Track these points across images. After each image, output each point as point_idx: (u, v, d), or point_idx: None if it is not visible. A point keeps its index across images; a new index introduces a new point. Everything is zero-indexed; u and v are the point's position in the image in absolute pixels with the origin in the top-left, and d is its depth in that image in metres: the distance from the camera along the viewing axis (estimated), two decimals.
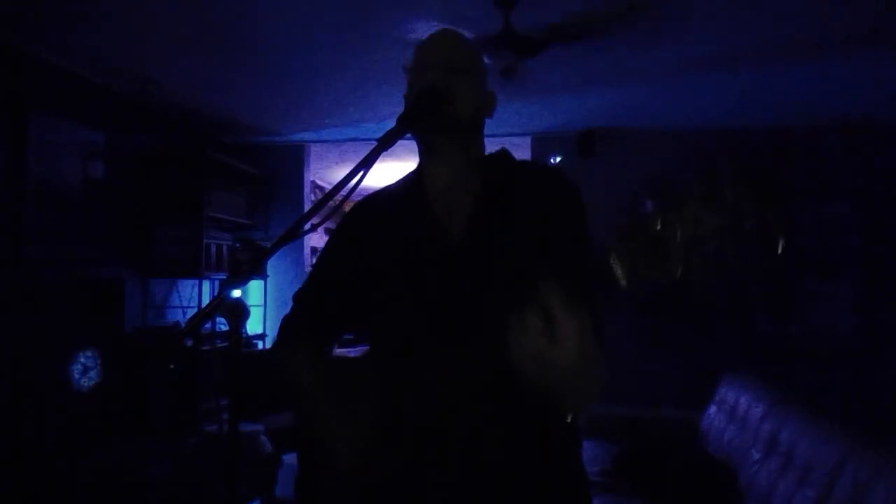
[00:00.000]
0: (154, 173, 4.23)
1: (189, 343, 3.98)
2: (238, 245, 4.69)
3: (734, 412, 3.02)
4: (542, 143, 4.94)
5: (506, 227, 1.11)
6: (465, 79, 1.14)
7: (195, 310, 4.36)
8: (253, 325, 5.03)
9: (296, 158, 5.34)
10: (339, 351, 4.50)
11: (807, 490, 2.08)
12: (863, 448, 1.95)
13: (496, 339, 0.90)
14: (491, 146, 1.23)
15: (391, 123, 1.07)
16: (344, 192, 1.02)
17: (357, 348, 4.91)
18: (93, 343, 3.35)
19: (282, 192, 5.28)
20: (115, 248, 3.93)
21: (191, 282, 4.43)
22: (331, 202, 1.01)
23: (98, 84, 3.76)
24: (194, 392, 3.96)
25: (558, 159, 4.81)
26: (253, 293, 5.15)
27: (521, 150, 4.80)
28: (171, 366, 3.92)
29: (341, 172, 5.32)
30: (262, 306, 5.10)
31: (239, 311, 1.15)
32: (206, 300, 4.36)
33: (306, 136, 5.16)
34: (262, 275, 5.08)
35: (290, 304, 1.32)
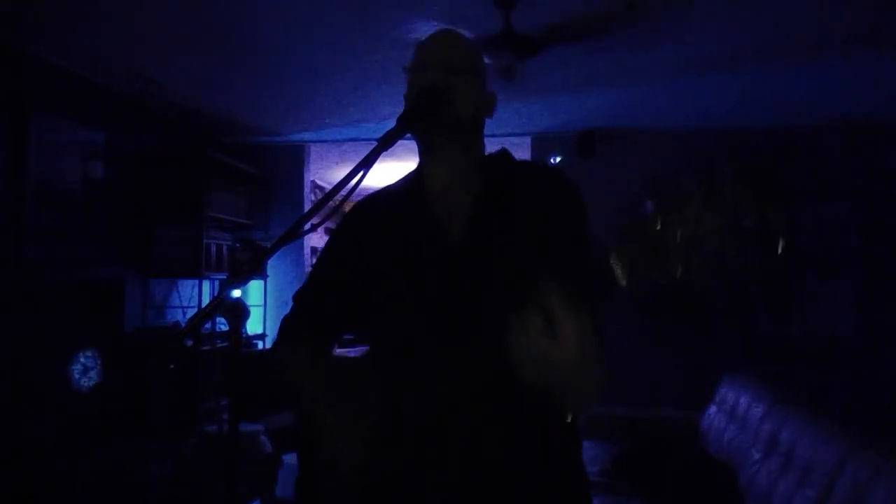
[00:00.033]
0: (154, 173, 4.23)
1: (189, 343, 3.98)
2: (238, 245, 4.69)
3: (734, 412, 3.02)
4: (542, 143, 4.94)
5: (506, 227, 1.11)
6: (465, 79, 1.14)
7: (195, 310, 4.36)
8: (253, 325, 5.04)
9: (296, 158, 5.34)
10: (339, 351, 4.50)
11: (807, 490, 2.08)
12: (863, 448, 1.95)
13: (496, 339, 0.89)
14: (491, 146, 1.23)
15: (391, 123, 1.07)
16: (344, 192, 1.02)
17: (357, 348, 4.91)
18: (93, 343, 3.35)
19: (282, 192, 5.29)
20: (115, 248, 3.93)
21: (191, 282, 4.43)
22: (331, 202, 1.01)
23: (98, 84, 3.76)
24: (194, 392, 3.96)
25: (558, 159, 4.81)
26: (253, 293, 5.15)
27: (521, 150, 4.80)
28: (171, 366, 3.92)
29: (341, 172, 5.32)
30: (262, 306, 5.10)
31: (239, 311, 1.15)
32: (206, 300, 4.37)
33: (306, 136, 5.16)
34: (262, 275, 5.09)
35: (290, 303, 1.32)
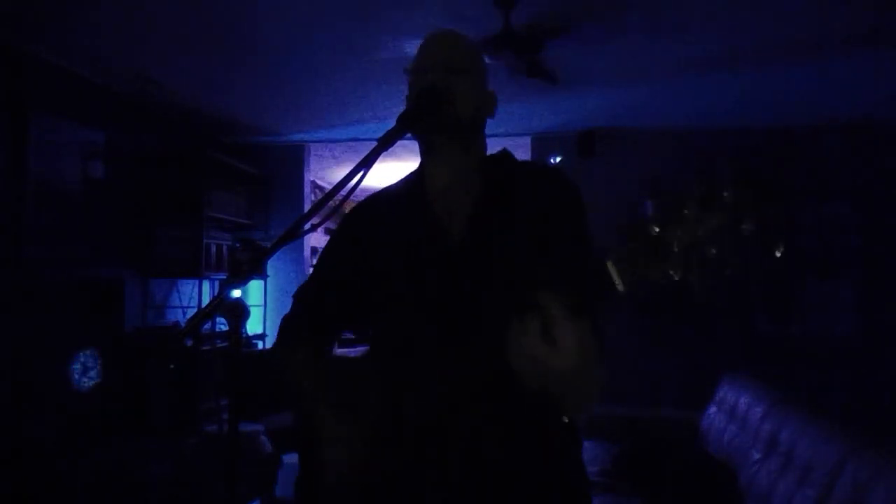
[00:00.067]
0: (154, 173, 4.23)
1: (189, 343, 3.98)
2: (238, 245, 4.69)
3: (734, 412, 3.02)
4: (542, 143, 4.94)
5: (506, 227, 1.11)
6: (465, 79, 1.14)
7: (195, 310, 4.36)
8: (253, 325, 5.04)
9: (296, 158, 5.34)
10: (339, 351, 4.50)
11: (807, 490, 2.08)
12: (863, 448, 1.95)
13: (496, 340, 0.90)
14: (491, 146, 1.23)
15: (391, 123, 1.07)
16: (344, 192, 1.02)
17: (357, 348, 4.91)
18: (93, 343, 3.35)
19: (282, 192, 5.29)
20: (115, 248, 3.93)
21: (191, 282, 4.43)
22: (331, 202, 1.01)
23: (98, 84, 3.76)
24: (194, 392, 3.96)
25: (558, 159, 4.81)
26: (253, 293, 5.15)
27: (521, 150, 4.80)
28: (171, 366, 3.92)
29: (341, 172, 5.32)
30: (262, 306, 5.10)
31: (239, 311, 1.15)
32: (206, 300, 4.36)
33: (306, 136, 5.16)
34: (262, 275, 5.09)
35: (291, 303, 1.32)
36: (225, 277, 4.48)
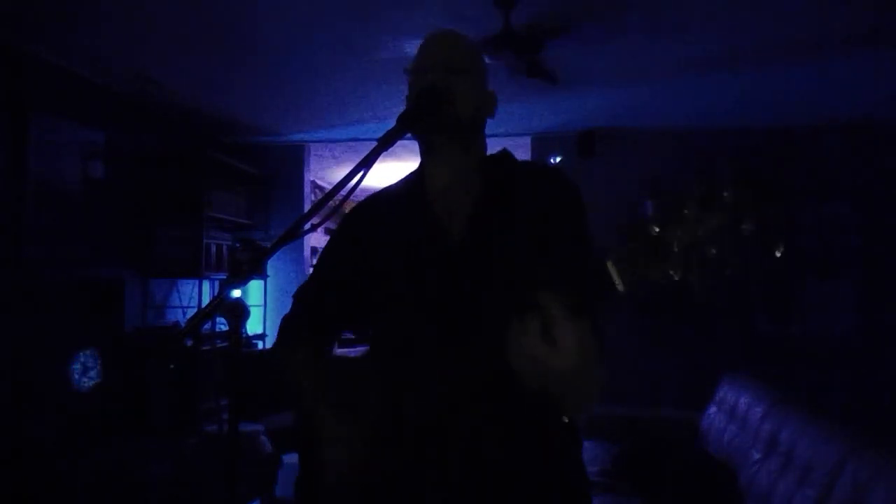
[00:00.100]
0: (154, 173, 4.23)
1: (189, 343, 3.98)
2: (238, 245, 4.69)
3: (734, 412, 3.02)
4: (542, 143, 4.94)
5: (506, 227, 1.11)
6: (465, 79, 1.14)
7: (195, 310, 4.36)
8: (253, 325, 5.04)
9: (296, 158, 5.34)
10: (339, 351, 4.50)
11: (807, 490, 2.08)
12: (863, 448, 1.95)
13: (496, 340, 0.90)
14: (491, 146, 1.23)
15: (391, 123, 1.07)
16: (344, 192, 1.02)
17: (357, 348, 4.91)
18: (93, 343, 3.35)
19: (282, 192, 5.29)
20: (115, 248, 3.93)
21: (191, 282, 4.43)
22: (331, 202, 1.01)
23: (98, 84, 3.76)
24: (194, 392, 3.96)
25: (558, 159, 4.81)
26: (253, 293, 5.15)
27: (521, 150, 4.80)
28: (171, 366, 3.92)
29: (341, 172, 5.32)
30: (262, 306, 5.10)
31: (239, 311, 1.15)
32: (206, 300, 4.36)
33: (306, 136, 5.16)
34: (262, 275, 5.09)
35: (291, 303, 1.32)
36: (225, 277, 4.48)
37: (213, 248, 4.43)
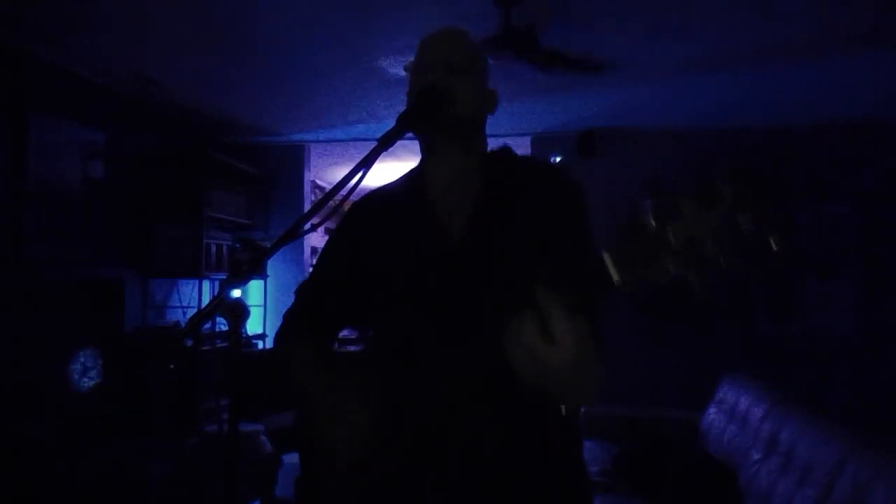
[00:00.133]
0: (154, 173, 4.23)
1: (189, 343, 3.98)
2: (238, 245, 4.69)
3: (734, 412, 3.02)
4: (542, 143, 4.95)
5: (506, 226, 1.11)
6: (465, 78, 1.14)
7: (195, 310, 4.36)
8: (253, 325, 5.03)
9: (296, 158, 5.34)
10: (339, 351, 4.50)
11: (807, 490, 2.08)
12: (863, 448, 1.95)
13: (496, 339, 0.90)
14: (491, 146, 1.24)
15: (391, 123, 1.07)
16: (344, 192, 1.02)
17: (357, 348, 4.91)
18: (93, 343, 3.35)
19: (282, 192, 5.29)
20: (115, 248, 3.93)
21: (191, 282, 4.42)
22: (331, 202, 1.01)
23: (98, 84, 3.76)
24: (194, 392, 3.96)
25: (558, 159, 4.81)
26: (253, 293, 5.15)
27: (521, 151, 4.76)
28: (171, 366, 3.92)
29: (341, 172, 5.31)
30: (262, 306, 5.10)
31: (239, 311, 1.15)
32: (206, 300, 4.36)
33: (306, 136, 5.16)
34: (262, 275, 5.08)
35: (293, 298, 1.32)
36: (225, 277, 4.48)
37: (213, 248, 4.43)
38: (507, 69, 3.14)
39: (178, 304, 4.45)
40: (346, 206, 1.32)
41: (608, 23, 2.92)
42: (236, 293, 1.07)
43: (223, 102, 4.25)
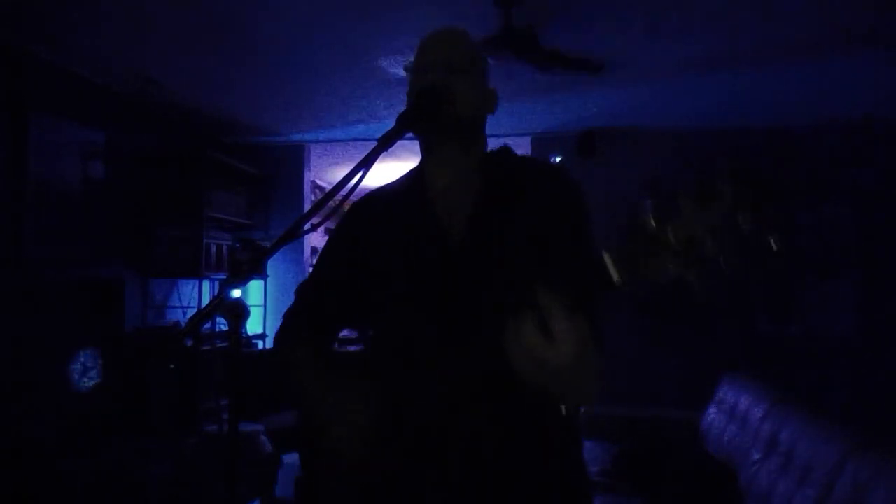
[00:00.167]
0: (154, 173, 4.23)
1: (189, 343, 3.98)
2: (238, 245, 4.69)
3: (734, 412, 3.02)
4: (542, 143, 4.95)
5: (506, 226, 1.11)
6: (465, 78, 1.14)
7: (195, 310, 4.36)
8: (253, 325, 5.03)
9: (296, 158, 5.34)
10: (338, 351, 4.49)
11: (807, 490, 2.08)
12: (863, 448, 1.95)
13: (496, 339, 0.90)
14: (491, 146, 1.24)
15: (391, 124, 1.07)
16: (344, 192, 1.02)
17: (357, 348, 4.91)
18: (93, 343, 3.35)
19: (282, 192, 5.29)
20: (115, 248, 3.93)
21: (191, 282, 4.43)
22: (331, 202, 1.01)
23: (98, 84, 3.76)
24: (194, 392, 3.96)
25: (558, 159, 4.81)
26: (253, 293, 5.15)
27: (521, 151, 4.78)
28: (171, 366, 3.92)
29: (341, 172, 5.32)
30: (262, 306, 5.10)
31: (239, 311, 1.15)
32: (206, 300, 4.36)
33: (306, 136, 5.16)
34: (262, 275, 5.08)
35: (293, 298, 1.32)
36: (225, 277, 4.48)
37: (213, 248, 4.43)
38: (507, 69, 3.14)
39: (178, 305, 4.46)
40: (346, 206, 1.32)
41: (608, 23, 2.93)
42: (236, 293, 1.06)
43: (223, 102, 4.26)
